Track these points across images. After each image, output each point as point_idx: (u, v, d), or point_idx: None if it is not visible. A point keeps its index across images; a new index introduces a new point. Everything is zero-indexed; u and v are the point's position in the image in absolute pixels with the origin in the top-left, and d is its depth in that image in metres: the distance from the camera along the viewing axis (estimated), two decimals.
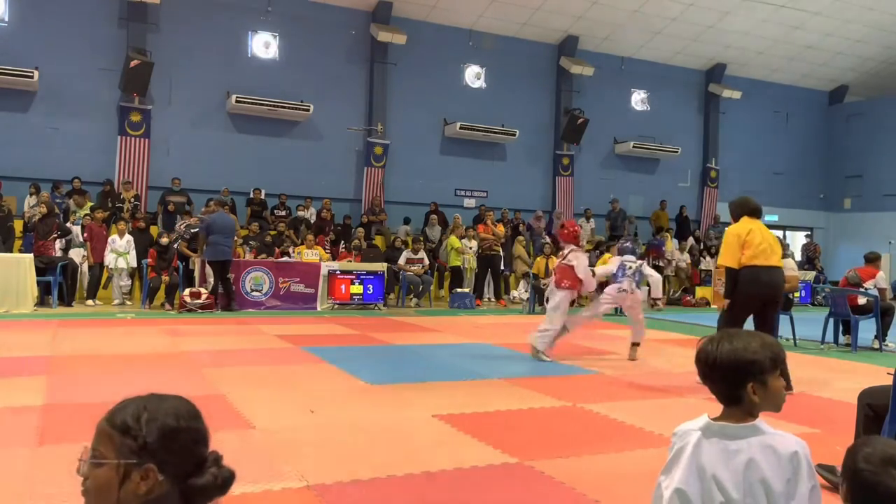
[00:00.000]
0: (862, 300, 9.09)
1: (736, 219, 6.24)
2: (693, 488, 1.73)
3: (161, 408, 1.39)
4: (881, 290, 9.18)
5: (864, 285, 9.21)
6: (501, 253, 14.53)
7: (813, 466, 1.72)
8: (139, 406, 1.39)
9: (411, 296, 13.45)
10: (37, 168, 13.73)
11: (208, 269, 11.58)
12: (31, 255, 10.92)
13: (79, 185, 13.50)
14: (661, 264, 16.97)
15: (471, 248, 14.31)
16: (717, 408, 1.84)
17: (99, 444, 1.38)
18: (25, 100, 13.91)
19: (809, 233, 21.55)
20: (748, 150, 21.27)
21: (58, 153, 13.97)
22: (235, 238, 12.09)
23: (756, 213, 6.19)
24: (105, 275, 12.14)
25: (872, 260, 9.71)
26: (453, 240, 14.31)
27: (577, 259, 7.39)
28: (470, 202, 17.65)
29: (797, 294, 13.61)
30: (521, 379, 6.27)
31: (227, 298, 11.48)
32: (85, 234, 12.04)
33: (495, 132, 17.48)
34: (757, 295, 5.88)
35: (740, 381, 1.75)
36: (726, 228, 6.35)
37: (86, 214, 12.70)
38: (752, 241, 5.88)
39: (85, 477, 1.37)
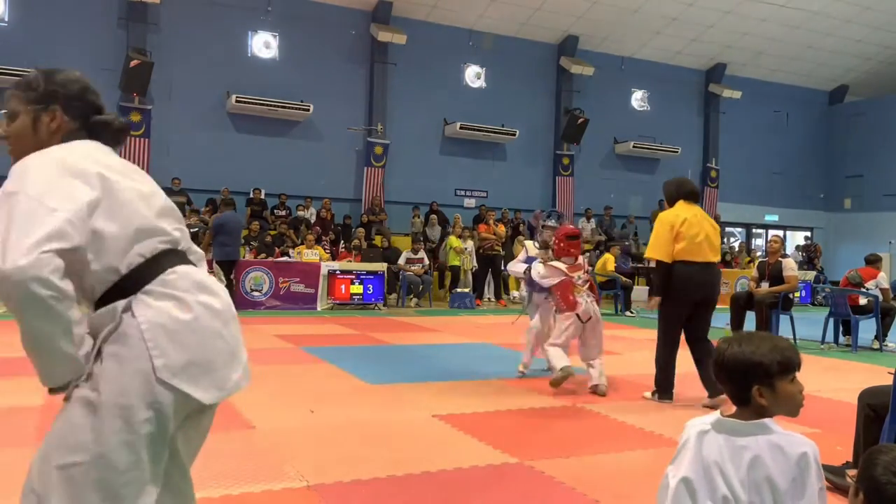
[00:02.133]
0: (863, 300, 9.09)
1: (671, 202, 5.46)
2: (699, 478, 1.74)
3: (53, 70, 1.80)
4: (883, 291, 9.18)
5: (866, 285, 9.21)
6: (502, 253, 14.54)
7: (821, 468, 1.72)
8: (37, 71, 1.80)
9: (411, 296, 13.45)
10: None
11: (216, 269, 11.51)
12: None
13: None
14: None
15: (466, 249, 14.33)
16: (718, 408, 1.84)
17: (9, 105, 1.75)
18: None
19: (809, 233, 21.54)
20: (748, 150, 21.27)
21: None
22: None
23: (693, 197, 5.43)
24: None
25: (873, 262, 9.71)
26: (453, 240, 14.32)
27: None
28: (470, 202, 17.65)
29: (797, 294, 13.60)
30: (522, 379, 6.27)
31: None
32: None
33: (495, 132, 17.48)
34: (689, 297, 5.23)
35: (745, 383, 1.75)
36: (659, 214, 5.52)
37: None
38: (686, 233, 5.16)
39: (6, 134, 1.75)
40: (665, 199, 5.55)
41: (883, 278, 9.44)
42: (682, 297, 5.22)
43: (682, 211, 5.29)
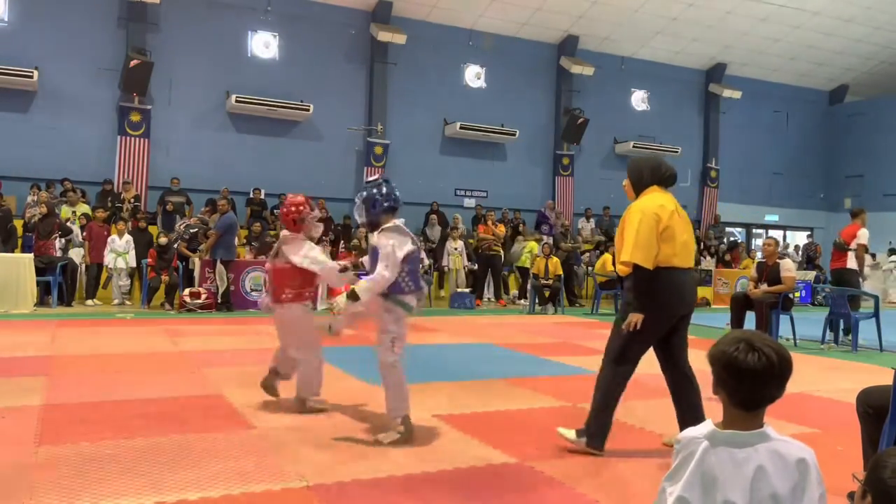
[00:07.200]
0: (864, 302, 9.09)
1: (640, 187, 4.05)
2: (697, 497, 1.72)
3: None
4: (860, 246, 9.24)
5: (849, 246, 9.28)
6: (502, 252, 14.53)
7: (820, 473, 1.71)
8: None
9: None
10: (37, 168, 13.72)
11: (219, 269, 11.47)
12: (31, 255, 10.92)
13: (70, 186, 13.43)
14: None
15: (455, 249, 14.36)
16: (716, 408, 1.83)
17: None
18: (25, 100, 13.91)
19: (810, 233, 21.57)
20: (748, 150, 21.27)
21: (58, 153, 13.97)
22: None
23: (670, 181, 4.07)
24: (104, 275, 12.13)
25: (857, 214, 9.80)
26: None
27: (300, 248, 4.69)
28: (470, 202, 17.65)
29: (797, 294, 13.60)
30: (521, 379, 6.27)
31: (227, 298, 11.48)
32: (85, 234, 12.04)
33: (495, 132, 17.48)
34: (674, 312, 3.97)
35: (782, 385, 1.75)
36: (631, 204, 4.02)
37: (82, 214, 12.68)
38: (673, 232, 3.87)
39: None
40: (631, 181, 4.10)
41: (863, 234, 9.49)
42: (666, 312, 3.95)
43: (667, 201, 3.95)
